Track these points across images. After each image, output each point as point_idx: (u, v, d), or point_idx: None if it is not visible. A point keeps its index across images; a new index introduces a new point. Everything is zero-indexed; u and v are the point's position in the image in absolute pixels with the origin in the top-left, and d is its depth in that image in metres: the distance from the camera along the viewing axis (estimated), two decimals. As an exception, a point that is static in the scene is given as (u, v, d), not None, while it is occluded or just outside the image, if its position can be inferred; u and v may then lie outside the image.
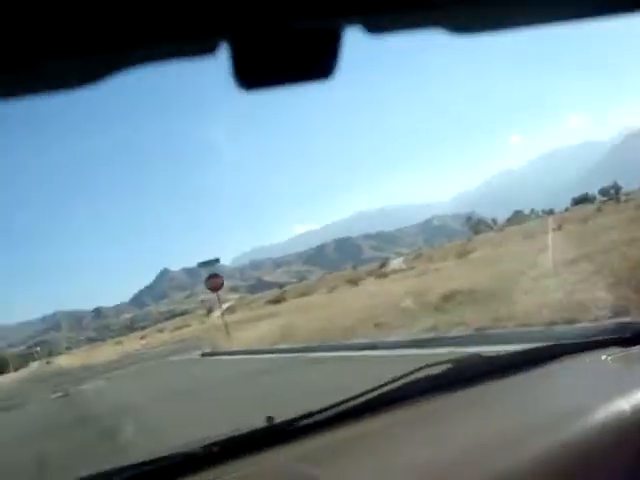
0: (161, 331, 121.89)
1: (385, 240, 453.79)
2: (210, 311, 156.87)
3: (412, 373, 1.60)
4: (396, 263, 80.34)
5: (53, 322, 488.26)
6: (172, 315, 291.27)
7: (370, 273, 69.85)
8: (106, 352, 75.30)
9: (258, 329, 20.39)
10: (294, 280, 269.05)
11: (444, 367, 1.64)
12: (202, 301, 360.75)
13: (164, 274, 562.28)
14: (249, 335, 19.51)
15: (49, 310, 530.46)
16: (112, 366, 28.22)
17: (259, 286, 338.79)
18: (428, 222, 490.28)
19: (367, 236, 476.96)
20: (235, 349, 17.06)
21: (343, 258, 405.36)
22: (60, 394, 17.86)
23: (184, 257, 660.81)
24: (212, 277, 21.41)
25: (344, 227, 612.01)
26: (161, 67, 0.51)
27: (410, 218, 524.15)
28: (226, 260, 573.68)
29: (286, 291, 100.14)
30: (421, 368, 1.61)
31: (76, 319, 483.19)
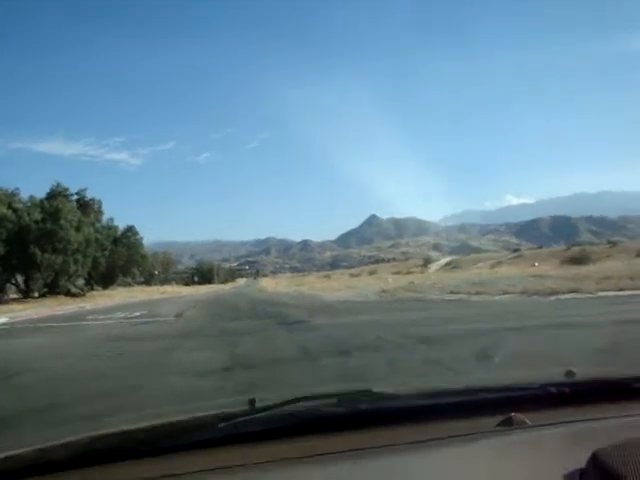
0: (373, 273, 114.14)
1: (606, 226, 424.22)
2: (427, 263, 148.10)
3: (288, 403, 1.35)
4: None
5: (264, 246, 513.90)
6: (375, 260, 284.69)
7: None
8: (318, 283, 64.83)
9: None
10: (500, 249, 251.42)
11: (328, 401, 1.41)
12: (404, 253, 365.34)
13: (371, 220, 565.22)
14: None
15: (262, 235, 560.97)
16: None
17: (463, 249, 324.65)
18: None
19: (588, 219, 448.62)
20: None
21: (556, 236, 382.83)
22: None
23: (391, 207, 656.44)
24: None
25: (560, 205, 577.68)
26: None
27: (635, 207, 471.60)
28: (434, 218, 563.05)
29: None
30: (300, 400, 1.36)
31: (285, 247, 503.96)
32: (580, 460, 0.96)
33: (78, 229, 41.10)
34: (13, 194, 42.49)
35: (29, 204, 42.93)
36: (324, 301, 25.56)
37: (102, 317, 20.86)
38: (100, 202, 53.66)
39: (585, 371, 1.70)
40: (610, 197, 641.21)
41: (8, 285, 46.45)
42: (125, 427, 1.30)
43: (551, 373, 1.70)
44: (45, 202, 42.09)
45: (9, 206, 39.92)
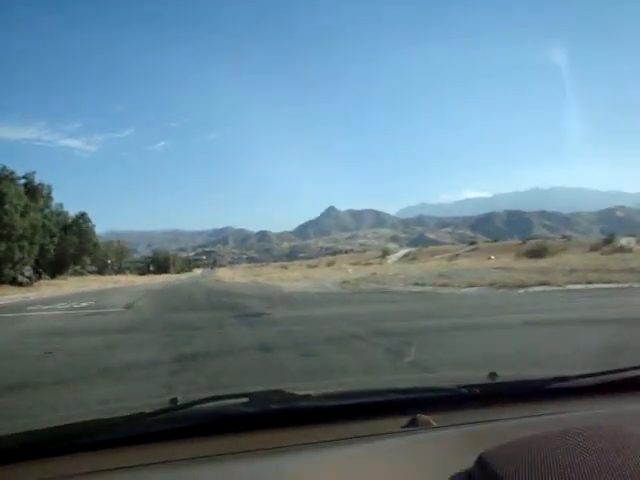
0: (331, 264, 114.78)
1: (559, 221, 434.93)
2: (385, 255, 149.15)
3: (199, 402, 1.36)
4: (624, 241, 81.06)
5: (222, 236, 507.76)
6: (333, 252, 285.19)
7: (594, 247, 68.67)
8: (276, 274, 63.30)
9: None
10: (456, 242, 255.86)
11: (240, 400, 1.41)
12: (361, 244, 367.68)
13: (330, 211, 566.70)
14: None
15: (220, 225, 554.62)
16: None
17: (420, 241, 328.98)
18: (610, 211, 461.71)
19: (542, 213, 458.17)
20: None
21: (511, 230, 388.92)
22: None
23: (350, 199, 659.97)
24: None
25: (516, 200, 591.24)
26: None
27: (586, 204, 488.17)
28: (392, 210, 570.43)
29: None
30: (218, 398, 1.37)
31: (242, 237, 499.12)
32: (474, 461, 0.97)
33: (24, 214, 38.90)
34: (-46, 176, 40.02)
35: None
36: (283, 292, 24.62)
37: (45, 308, 19.43)
38: (50, 187, 51.14)
39: (509, 373, 1.69)
40: (563, 193, 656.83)
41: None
42: (35, 426, 1.26)
43: (474, 375, 1.67)
44: (-12, 185, 39.71)
45: (-51, 189, 37.55)
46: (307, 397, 1.43)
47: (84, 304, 20.57)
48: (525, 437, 1.00)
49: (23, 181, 48.44)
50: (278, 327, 9.88)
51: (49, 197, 51.18)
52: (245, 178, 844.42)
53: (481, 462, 0.94)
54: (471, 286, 20.02)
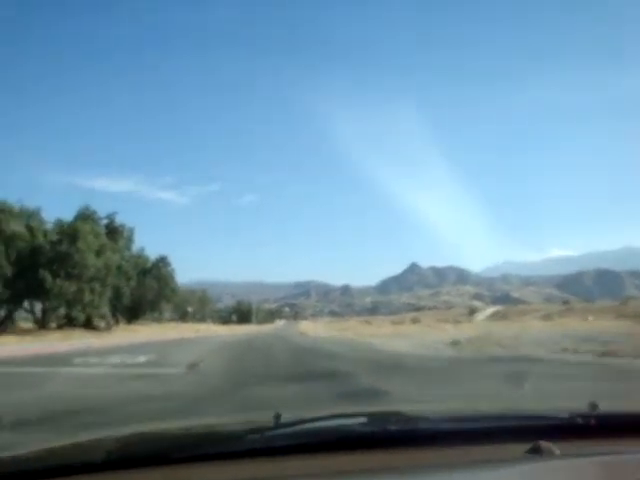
0: (416, 321, 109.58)
1: None
2: (472, 312, 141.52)
3: (316, 420, 1.41)
4: None
5: (304, 289, 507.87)
6: (415, 308, 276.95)
7: None
8: (360, 328, 58.38)
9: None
10: (542, 301, 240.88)
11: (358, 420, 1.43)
12: (445, 302, 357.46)
13: (413, 268, 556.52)
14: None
15: (303, 278, 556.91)
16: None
17: (504, 300, 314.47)
18: None
19: (634, 273, 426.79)
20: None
21: (601, 291, 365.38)
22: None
23: (432, 256, 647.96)
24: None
25: (605, 259, 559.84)
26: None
27: None
28: (476, 268, 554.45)
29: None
30: (331, 417, 1.43)
31: (325, 291, 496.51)
32: None
33: (99, 254, 36.42)
34: (32, 212, 38.30)
35: (52, 227, 38.82)
36: (384, 353, 19.90)
37: (93, 361, 15.58)
38: (132, 229, 49.26)
39: (609, 405, 1.68)
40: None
41: (26, 314, 42.20)
42: (148, 433, 1.32)
43: (575, 406, 1.65)
44: (64, 223, 37.74)
45: (26, 225, 35.70)
46: (426, 419, 1.43)
47: (142, 359, 16.63)
48: None
49: (105, 221, 46.80)
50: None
51: (130, 239, 49.24)
52: (328, 232, 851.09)
53: None
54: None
